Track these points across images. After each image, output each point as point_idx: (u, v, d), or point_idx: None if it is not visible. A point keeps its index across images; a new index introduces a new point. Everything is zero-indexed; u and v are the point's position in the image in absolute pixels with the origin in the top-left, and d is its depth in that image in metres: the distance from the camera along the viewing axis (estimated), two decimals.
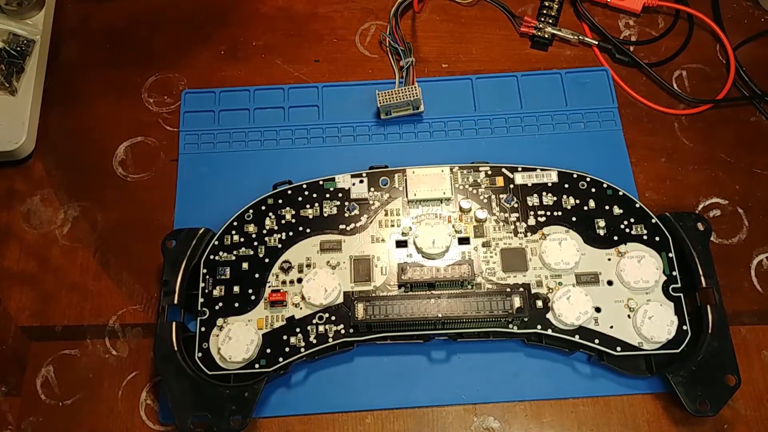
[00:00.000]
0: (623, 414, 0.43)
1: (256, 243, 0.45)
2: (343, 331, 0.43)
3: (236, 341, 0.42)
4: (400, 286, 0.44)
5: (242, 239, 0.45)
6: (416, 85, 0.49)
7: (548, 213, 0.46)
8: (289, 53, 0.54)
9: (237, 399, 0.41)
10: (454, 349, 0.44)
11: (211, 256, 0.45)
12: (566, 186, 0.46)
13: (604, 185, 0.46)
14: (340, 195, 0.46)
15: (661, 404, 0.43)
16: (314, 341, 0.42)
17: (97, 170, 0.50)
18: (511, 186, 0.47)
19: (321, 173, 0.47)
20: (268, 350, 0.42)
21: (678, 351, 0.42)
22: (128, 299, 0.46)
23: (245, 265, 0.44)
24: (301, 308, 0.43)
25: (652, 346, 0.42)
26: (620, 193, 0.46)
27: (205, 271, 0.44)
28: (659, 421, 0.43)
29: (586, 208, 0.46)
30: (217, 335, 0.42)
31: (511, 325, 0.43)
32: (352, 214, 0.46)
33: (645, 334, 0.42)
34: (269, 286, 0.44)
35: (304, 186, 0.47)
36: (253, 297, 0.44)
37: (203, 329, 0.43)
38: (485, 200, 0.46)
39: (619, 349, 0.42)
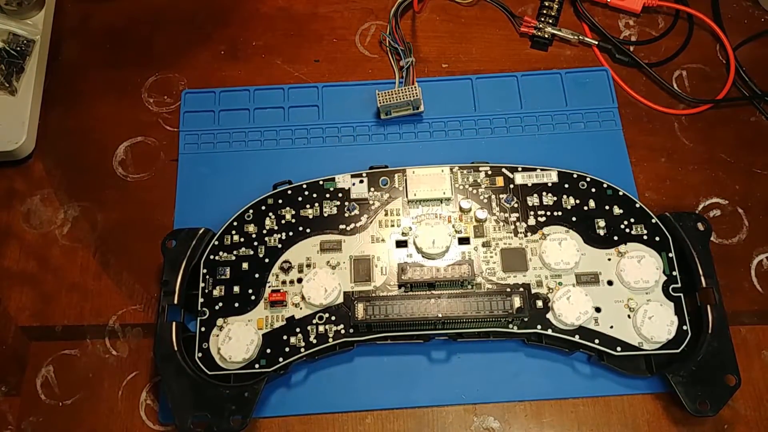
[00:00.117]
0: (623, 414, 0.43)
1: (256, 243, 0.45)
2: (343, 331, 0.43)
3: (236, 341, 0.42)
4: (400, 286, 0.44)
5: (242, 239, 0.45)
6: (416, 85, 0.49)
7: (548, 213, 0.46)
8: (289, 53, 0.54)
9: (237, 399, 0.41)
10: (454, 349, 0.44)
11: (211, 256, 0.45)
12: (566, 186, 0.46)
13: (604, 185, 0.46)
14: (340, 195, 0.46)
15: (661, 404, 0.43)
16: (314, 341, 0.42)
17: (97, 170, 0.50)
18: (511, 186, 0.47)
19: (321, 173, 0.47)
20: (268, 350, 0.42)
21: (678, 351, 0.42)
22: (128, 299, 0.46)
23: (245, 265, 0.44)
24: (301, 308, 0.43)
25: (652, 346, 0.42)
26: (620, 193, 0.46)
27: (205, 271, 0.44)
28: (659, 421, 0.43)
29: (586, 208, 0.46)
30: (217, 335, 0.42)
31: (511, 325, 0.43)
32: (352, 214, 0.46)
33: (645, 334, 0.42)
34: (269, 286, 0.44)
35: (304, 186, 0.47)
36: (253, 297, 0.44)
37: (203, 329, 0.43)
38: (485, 200, 0.46)
39: (619, 349, 0.42)
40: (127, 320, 0.46)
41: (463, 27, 0.55)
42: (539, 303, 0.43)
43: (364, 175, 0.47)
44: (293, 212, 0.46)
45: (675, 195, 0.49)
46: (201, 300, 0.44)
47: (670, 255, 0.44)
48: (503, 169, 0.47)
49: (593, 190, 0.46)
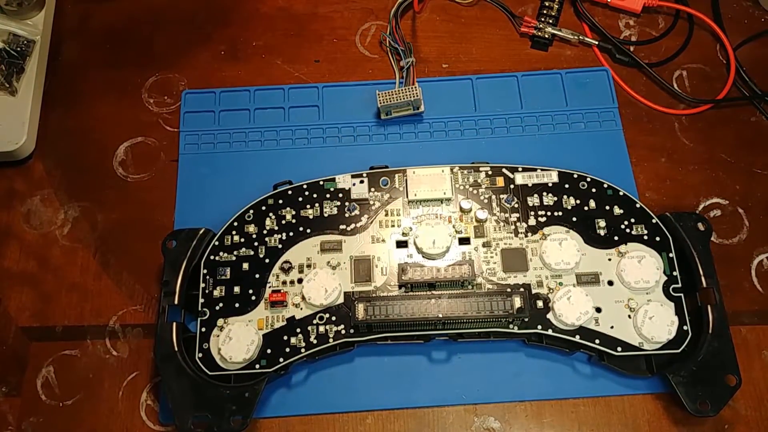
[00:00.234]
0: (624, 414, 0.43)
1: (256, 243, 0.45)
2: (343, 332, 0.43)
3: (236, 341, 0.42)
4: (400, 287, 0.44)
5: (242, 239, 0.45)
6: (416, 85, 0.49)
7: (549, 213, 0.46)
8: (289, 53, 0.54)
9: (237, 399, 0.41)
10: (455, 349, 0.44)
11: (212, 257, 0.45)
12: (566, 186, 0.46)
13: (605, 185, 0.46)
14: (340, 195, 0.46)
15: (662, 404, 0.43)
16: (315, 341, 0.42)
17: (97, 170, 0.50)
18: (512, 186, 0.47)
19: (321, 173, 0.47)
20: (269, 350, 0.42)
21: (678, 351, 0.42)
22: (128, 299, 0.46)
23: (245, 266, 0.44)
24: (301, 308, 0.43)
25: (652, 346, 0.42)
26: (620, 193, 0.46)
27: (205, 271, 0.44)
28: (659, 421, 0.43)
29: (586, 208, 0.46)
30: (218, 335, 0.42)
31: (511, 326, 0.43)
32: (353, 214, 0.46)
33: (645, 334, 0.42)
34: (269, 287, 0.44)
35: (305, 186, 0.47)
36: (253, 297, 0.44)
37: (203, 329, 0.43)
38: (485, 200, 0.46)
39: (619, 349, 0.42)
40: (128, 320, 0.46)
41: (464, 27, 0.55)
42: (540, 303, 0.43)
43: (365, 175, 0.47)
44: (293, 212, 0.46)
45: (675, 195, 0.49)
46: (201, 300, 0.44)
47: (671, 255, 0.44)
48: (503, 170, 0.47)
49: (593, 190, 0.46)
